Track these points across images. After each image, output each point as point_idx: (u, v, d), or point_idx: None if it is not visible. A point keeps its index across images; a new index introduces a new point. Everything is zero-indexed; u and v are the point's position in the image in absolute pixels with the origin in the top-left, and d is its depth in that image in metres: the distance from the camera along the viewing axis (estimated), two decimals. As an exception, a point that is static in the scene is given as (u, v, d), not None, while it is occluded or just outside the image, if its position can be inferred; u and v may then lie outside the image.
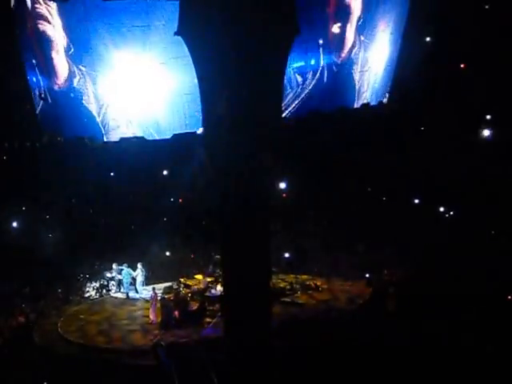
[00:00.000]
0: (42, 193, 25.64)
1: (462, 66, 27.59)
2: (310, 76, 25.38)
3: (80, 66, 23.79)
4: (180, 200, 26.80)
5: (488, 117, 26.64)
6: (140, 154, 24.35)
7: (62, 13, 23.34)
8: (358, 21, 25.80)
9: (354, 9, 25.58)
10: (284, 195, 25.96)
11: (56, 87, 24.83)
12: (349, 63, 26.19)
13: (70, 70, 24.00)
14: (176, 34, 11.88)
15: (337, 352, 16.10)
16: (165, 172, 27.06)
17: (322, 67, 25.52)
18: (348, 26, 25.69)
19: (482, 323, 16.91)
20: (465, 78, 26.78)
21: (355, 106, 27.37)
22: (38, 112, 26.02)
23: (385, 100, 28.17)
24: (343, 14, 25.45)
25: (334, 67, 25.97)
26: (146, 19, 22.36)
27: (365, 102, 27.57)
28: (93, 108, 24.50)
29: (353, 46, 26.06)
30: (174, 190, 25.98)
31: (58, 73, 24.44)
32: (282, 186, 24.71)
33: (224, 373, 13.88)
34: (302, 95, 25.57)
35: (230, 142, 11.95)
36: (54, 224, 25.07)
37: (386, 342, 16.34)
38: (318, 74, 25.49)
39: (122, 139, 24.96)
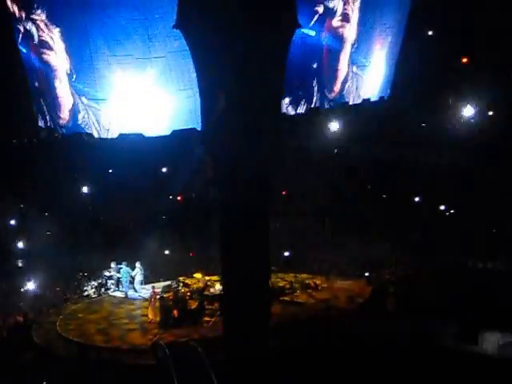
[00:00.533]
0: (40, 190, 25.54)
1: (463, 61, 27.50)
2: (303, 111, 25.06)
3: (82, 98, 23.75)
4: (179, 198, 26.70)
5: (490, 113, 26.60)
6: (139, 150, 24.24)
7: (65, 37, 23.37)
8: (352, 46, 25.49)
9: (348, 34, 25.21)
10: (283, 193, 25.88)
11: (61, 122, 24.84)
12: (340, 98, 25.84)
13: (74, 102, 23.99)
14: (175, 27, 11.77)
15: (336, 351, 16.01)
16: (164, 169, 26.96)
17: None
18: (342, 55, 25.30)
19: (482, 323, 16.83)
20: (466, 73, 26.69)
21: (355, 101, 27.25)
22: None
23: (386, 96, 28.06)
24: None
25: (326, 104, 25.74)
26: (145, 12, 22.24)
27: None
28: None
29: (345, 79, 25.70)
30: (173, 188, 25.87)
31: (62, 106, 24.44)
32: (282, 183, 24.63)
33: (223, 372, 13.80)
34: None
35: (229, 138, 11.85)
36: (52, 221, 24.98)
37: (385, 341, 16.25)
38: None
39: (121, 135, 24.83)
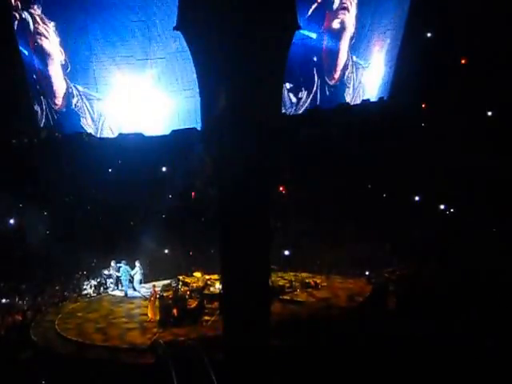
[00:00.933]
0: (40, 189, 25.54)
1: (462, 61, 27.52)
2: (304, 96, 25.12)
3: (77, 86, 23.78)
4: (178, 197, 26.68)
5: (489, 113, 26.63)
6: (139, 150, 24.23)
7: (60, 30, 23.44)
8: (352, 39, 25.50)
9: (348, 24, 25.19)
10: (284, 192, 25.88)
11: (56, 107, 24.91)
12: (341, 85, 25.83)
13: (67, 89, 24.06)
14: (175, 28, 11.78)
15: (337, 350, 15.99)
16: (164, 168, 26.98)
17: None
18: (342, 43, 25.32)
19: (483, 322, 16.81)
20: (466, 74, 26.70)
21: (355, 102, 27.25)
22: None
23: (385, 96, 28.06)
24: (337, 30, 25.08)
25: (327, 89, 25.73)
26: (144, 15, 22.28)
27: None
28: (91, 128, 24.54)
29: (345, 67, 25.71)
30: (173, 187, 25.86)
31: (57, 92, 24.52)
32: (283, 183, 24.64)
33: (223, 371, 13.78)
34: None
35: (229, 138, 11.84)
36: (52, 221, 24.98)
37: (386, 340, 16.24)
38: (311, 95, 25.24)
39: (121, 135, 24.83)
